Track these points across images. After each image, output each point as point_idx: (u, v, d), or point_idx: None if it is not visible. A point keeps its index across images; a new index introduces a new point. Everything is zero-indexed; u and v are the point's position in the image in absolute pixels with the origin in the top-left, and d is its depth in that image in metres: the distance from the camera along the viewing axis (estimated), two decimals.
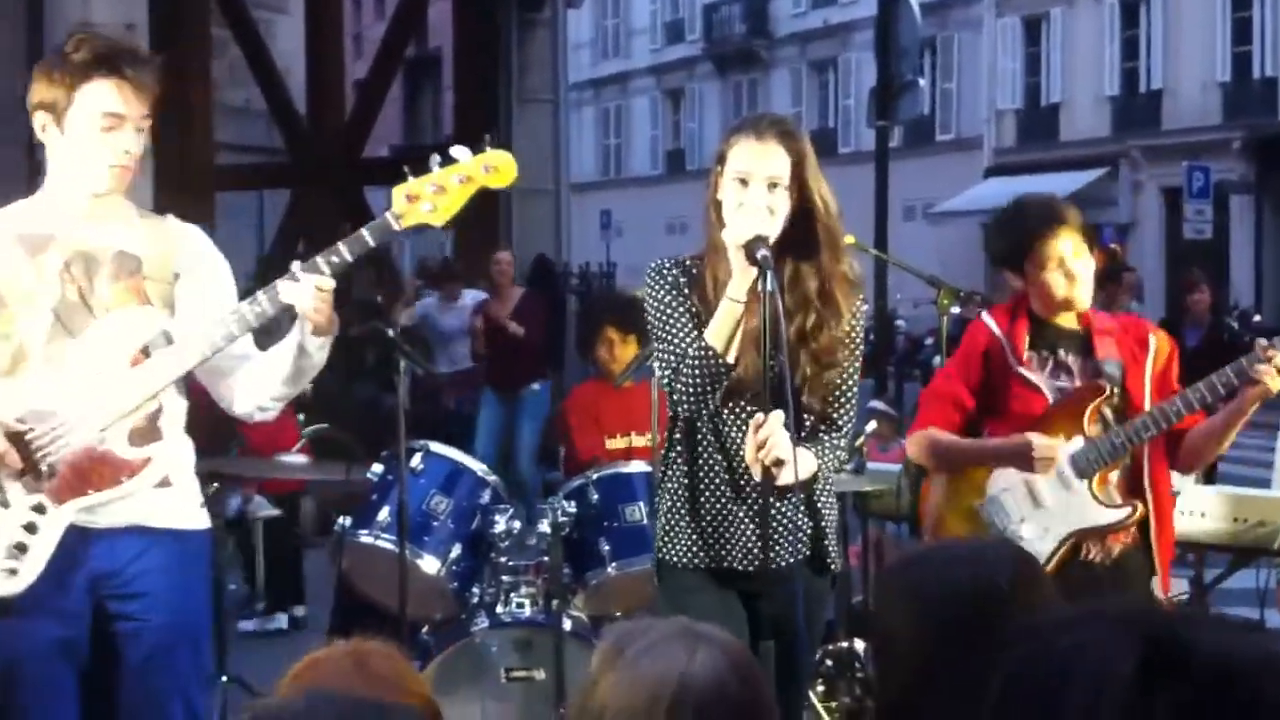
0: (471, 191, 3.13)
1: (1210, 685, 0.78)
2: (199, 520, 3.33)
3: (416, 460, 4.75)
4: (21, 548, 3.14)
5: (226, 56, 16.82)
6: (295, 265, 3.09)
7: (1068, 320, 3.81)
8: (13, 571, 3.13)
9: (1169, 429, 3.67)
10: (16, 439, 3.13)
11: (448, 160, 3.11)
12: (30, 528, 3.15)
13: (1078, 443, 3.72)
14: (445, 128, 26.14)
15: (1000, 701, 0.82)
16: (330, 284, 3.06)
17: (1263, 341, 3.61)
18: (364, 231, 3.13)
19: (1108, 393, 3.71)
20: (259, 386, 3.31)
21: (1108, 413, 3.76)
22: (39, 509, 3.15)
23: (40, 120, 3.17)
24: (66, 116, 3.13)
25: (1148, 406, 3.72)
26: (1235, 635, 0.82)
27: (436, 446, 4.88)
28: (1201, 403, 3.63)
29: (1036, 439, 3.65)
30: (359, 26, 29.21)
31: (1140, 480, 3.75)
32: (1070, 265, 3.71)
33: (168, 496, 3.25)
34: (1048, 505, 3.74)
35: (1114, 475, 3.77)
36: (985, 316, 3.90)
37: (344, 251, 3.09)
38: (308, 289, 3.05)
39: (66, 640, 3.16)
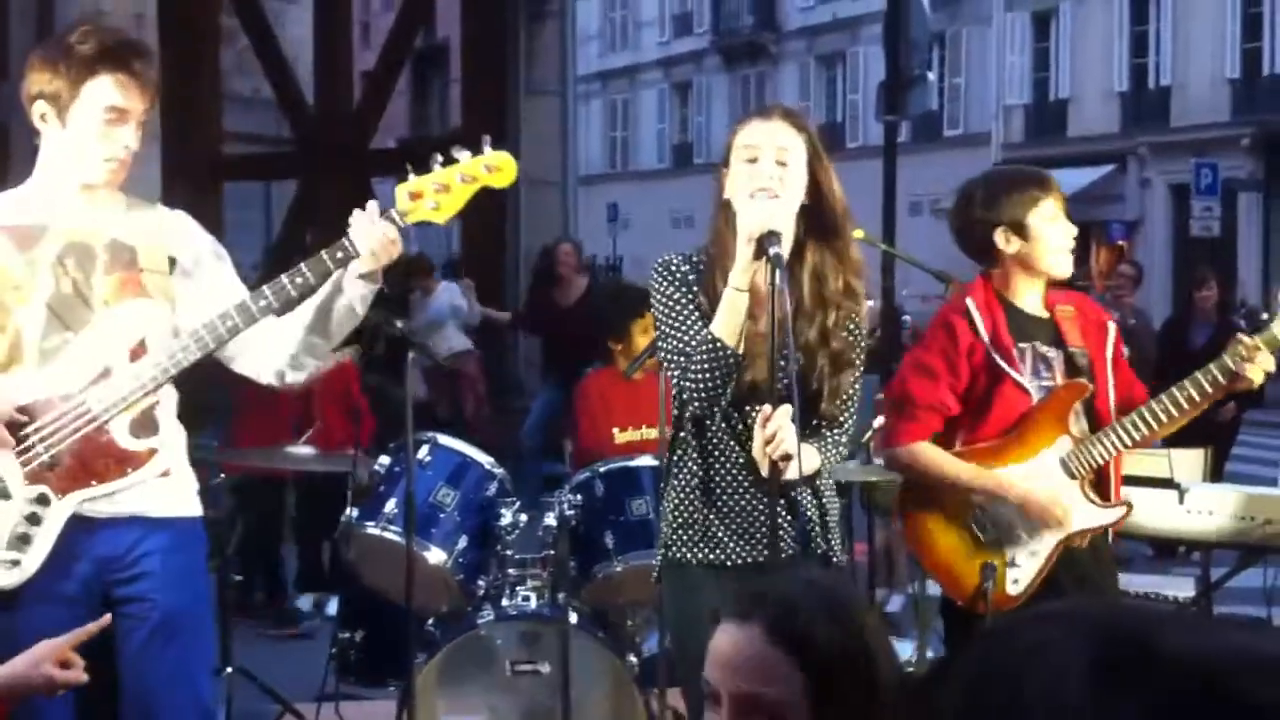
0: (474, 190, 3.19)
1: (1181, 685, 0.77)
2: (195, 507, 3.37)
3: (424, 452, 4.75)
4: (25, 539, 3.15)
5: (235, 46, 16.81)
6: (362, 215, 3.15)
7: (1034, 306, 3.78)
8: (15, 562, 3.15)
9: (1158, 429, 3.68)
10: (15, 429, 3.14)
11: (449, 160, 3.15)
12: (33, 519, 3.16)
13: (1065, 444, 3.72)
14: (452, 119, 26.11)
15: (963, 707, 0.81)
16: (396, 235, 3.11)
17: (1245, 339, 3.62)
18: (393, 211, 3.17)
19: (1088, 390, 3.72)
20: (282, 341, 3.30)
21: (1077, 406, 3.76)
22: (42, 500, 3.17)
23: (39, 109, 3.16)
24: (70, 110, 3.13)
25: (1111, 393, 3.73)
26: (1206, 632, 0.81)
27: (444, 439, 4.88)
28: (1190, 402, 3.63)
29: (1061, 506, 3.67)
30: (367, 16, 29.19)
31: (1105, 471, 3.76)
32: (1065, 224, 3.72)
33: (167, 485, 3.28)
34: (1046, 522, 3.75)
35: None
36: (969, 301, 3.76)
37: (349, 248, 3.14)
38: (379, 233, 3.09)
39: (67, 625, 3.16)
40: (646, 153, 42.38)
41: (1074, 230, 3.76)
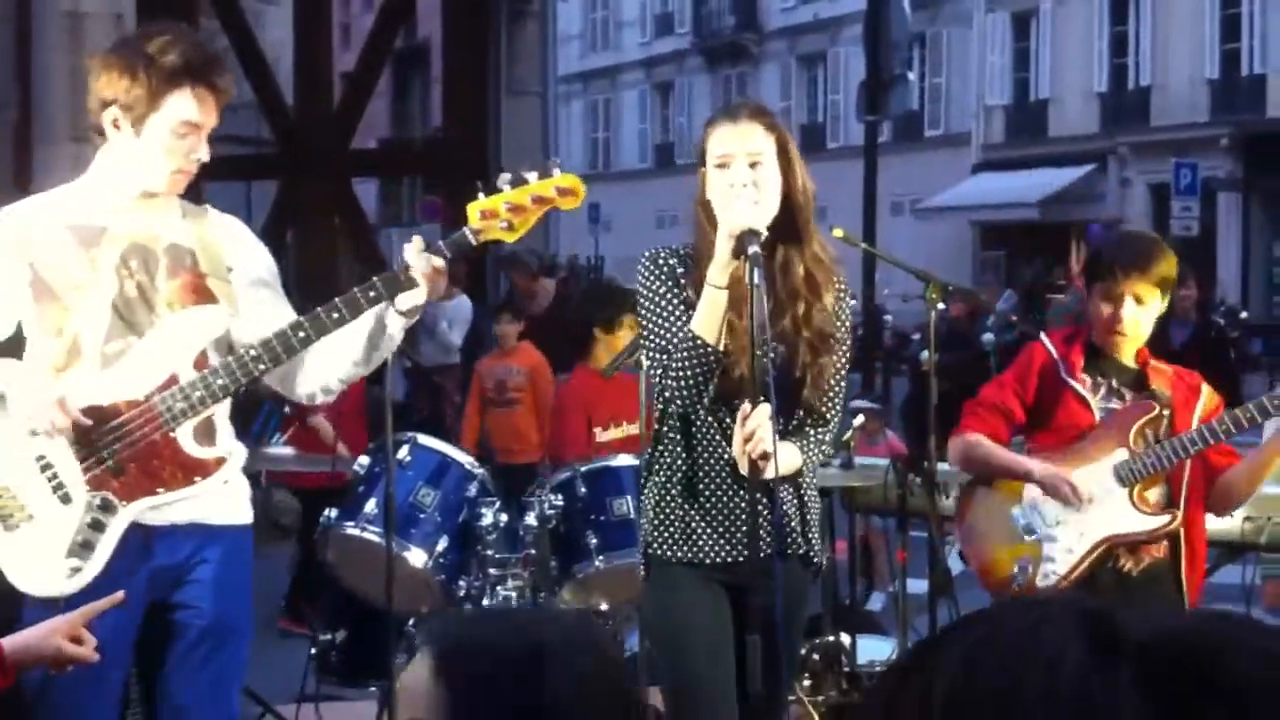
0: (545, 210, 3.22)
1: (1165, 664, 0.78)
2: (249, 515, 3.34)
3: (404, 452, 4.75)
4: (88, 545, 3.11)
5: (214, 47, 16.77)
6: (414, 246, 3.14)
7: (1125, 357, 3.85)
8: (77, 570, 3.10)
9: (1214, 446, 3.72)
10: (79, 432, 3.09)
11: (519, 180, 3.16)
12: (97, 525, 3.12)
13: (1122, 454, 3.77)
14: (433, 119, 26.08)
15: (958, 686, 0.82)
16: (443, 265, 3.11)
17: None
18: (441, 244, 3.18)
19: (1155, 412, 3.76)
20: (327, 368, 3.30)
21: (1151, 434, 3.80)
22: (106, 506, 3.12)
23: (111, 115, 3.11)
24: (147, 120, 3.10)
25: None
26: (1179, 618, 0.83)
27: (424, 439, 4.87)
28: (1250, 420, 3.69)
29: (1079, 478, 3.72)
30: (347, 17, 29.12)
31: (1176, 502, 3.79)
32: (1125, 310, 3.72)
33: (225, 493, 3.26)
34: (1086, 510, 3.78)
35: (1152, 494, 3.81)
36: (1044, 338, 3.94)
37: (443, 249, 3.14)
38: (428, 260, 3.09)
39: (118, 636, 3.09)
40: (628, 153, 42.39)
41: (1146, 314, 3.76)
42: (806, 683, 5.26)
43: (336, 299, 3.15)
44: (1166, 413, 3.78)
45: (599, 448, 5.65)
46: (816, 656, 5.35)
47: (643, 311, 3.31)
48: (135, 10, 9.25)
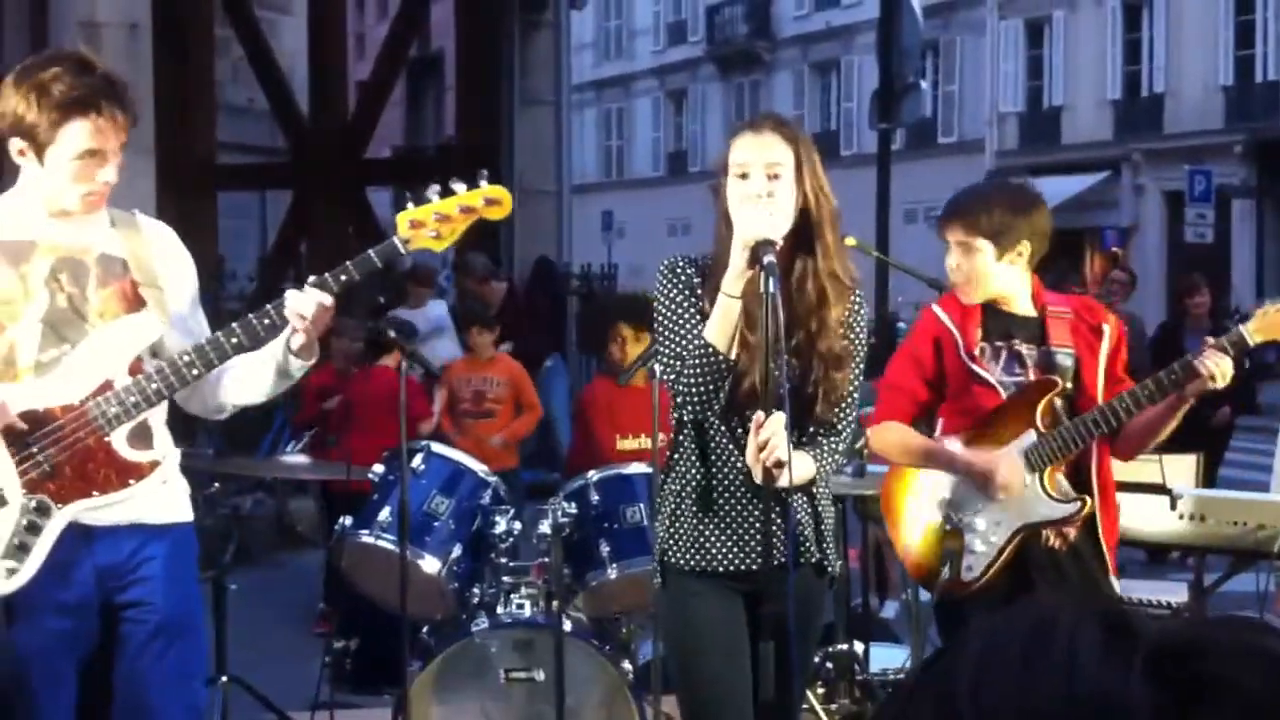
0: (472, 220, 3.33)
1: (1178, 670, 0.79)
2: (188, 513, 3.41)
3: (417, 460, 4.76)
4: (24, 548, 3.16)
5: (229, 56, 16.83)
6: (310, 279, 3.23)
7: (1022, 306, 3.85)
8: (13, 571, 3.16)
9: (1117, 424, 3.72)
10: (14, 437, 3.15)
11: (447, 190, 3.27)
12: (32, 528, 3.17)
13: (1030, 437, 3.77)
14: (447, 128, 26.12)
15: (974, 688, 0.83)
16: (331, 301, 3.19)
17: (1210, 340, 3.69)
18: (371, 253, 3.27)
19: (1059, 386, 3.77)
20: (238, 390, 3.39)
21: (1059, 403, 3.81)
22: (42, 509, 3.18)
23: (17, 145, 3.16)
24: (47, 152, 3.14)
25: (1099, 394, 3.77)
26: (1194, 623, 0.84)
27: (438, 447, 4.89)
28: (1149, 399, 3.68)
29: (1002, 472, 3.73)
30: (362, 26, 29.20)
31: (1087, 472, 3.81)
32: (949, 258, 3.82)
33: (164, 492, 3.31)
34: (1001, 499, 3.79)
35: (1061, 476, 3.83)
36: (935, 306, 3.94)
37: (352, 271, 3.24)
38: (312, 302, 3.16)
39: (67, 633, 3.20)
40: (641, 161, 42.41)
41: (963, 259, 3.81)
42: (820, 691, 5.26)
43: (251, 315, 3.24)
44: (1069, 384, 3.78)
45: (620, 456, 5.65)
46: (829, 665, 5.35)
47: (658, 318, 3.33)
48: (151, 20, 9.30)
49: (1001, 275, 3.80)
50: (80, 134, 3.13)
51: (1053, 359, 3.81)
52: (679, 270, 3.33)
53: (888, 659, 5.54)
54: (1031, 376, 3.82)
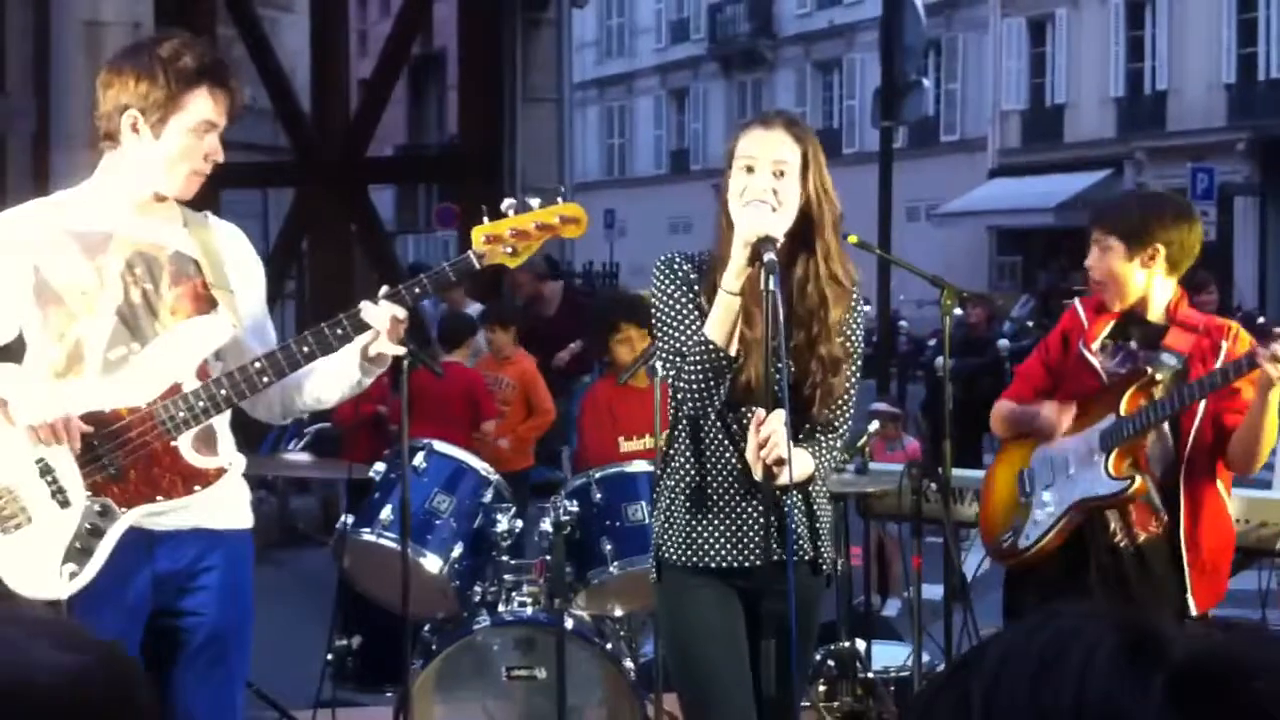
0: (546, 238, 3.27)
1: (1197, 682, 0.79)
2: (249, 518, 3.36)
3: (419, 459, 4.76)
4: (86, 551, 3.12)
5: (231, 55, 16.81)
6: (383, 289, 3.19)
7: (1155, 313, 3.93)
8: (74, 574, 3.12)
9: (1183, 410, 3.75)
10: (82, 438, 3.10)
11: (523, 206, 3.21)
12: (95, 531, 3.13)
13: (1110, 419, 3.84)
14: (449, 127, 26.13)
15: (992, 691, 0.83)
16: (405, 314, 3.16)
17: (1278, 330, 3.68)
18: (446, 266, 3.28)
19: (1148, 377, 3.81)
20: (317, 396, 3.36)
21: (1147, 400, 3.85)
22: (106, 513, 3.14)
23: (130, 119, 3.13)
24: (168, 122, 3.13)
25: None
26: (1215, 635, 0.84)
27: (440, 445, 4.89)
28: (1213, 386, 3.70)
29: (1044, 409, 3.96)
30: (364, 25, 29.20)
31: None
32: (1090, 258, 3.93)
33: (227, 498, 3.27)
34: (1069, 475, 3.90)
35: (1127, 461, 3.84)
36: (1076, 302, 4.12)
37: (426, 284, 3.22)
38: (387, 314, 3.13)
39: (122, 636, 3.10)
40: (643, 159, 42.42)
41: (1098, 265, 3.92)
42: (821, 689, 5.26)
43: (324, 325, 3.19)
44: (1161, 376, 3.81)
45: (625, 457, 5.64)
46: (831, 663, 5.35)
47: (657, 315, 3.33)
48: (153, 19, 9.30)
49: (1136, 278, 3.86)
50: (205, 104, 3.15)
51: (1157, 357, 3.86)
52: (676, 266, 3.32)
53: (889, 657, 5.54)
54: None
